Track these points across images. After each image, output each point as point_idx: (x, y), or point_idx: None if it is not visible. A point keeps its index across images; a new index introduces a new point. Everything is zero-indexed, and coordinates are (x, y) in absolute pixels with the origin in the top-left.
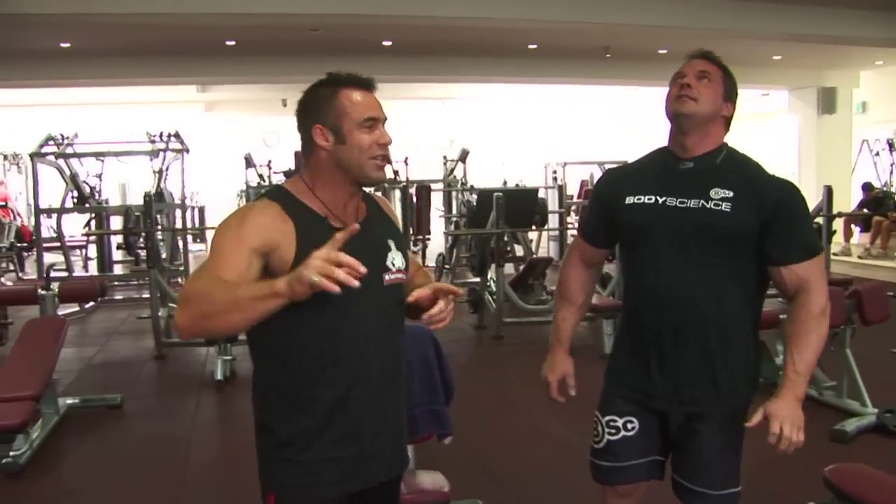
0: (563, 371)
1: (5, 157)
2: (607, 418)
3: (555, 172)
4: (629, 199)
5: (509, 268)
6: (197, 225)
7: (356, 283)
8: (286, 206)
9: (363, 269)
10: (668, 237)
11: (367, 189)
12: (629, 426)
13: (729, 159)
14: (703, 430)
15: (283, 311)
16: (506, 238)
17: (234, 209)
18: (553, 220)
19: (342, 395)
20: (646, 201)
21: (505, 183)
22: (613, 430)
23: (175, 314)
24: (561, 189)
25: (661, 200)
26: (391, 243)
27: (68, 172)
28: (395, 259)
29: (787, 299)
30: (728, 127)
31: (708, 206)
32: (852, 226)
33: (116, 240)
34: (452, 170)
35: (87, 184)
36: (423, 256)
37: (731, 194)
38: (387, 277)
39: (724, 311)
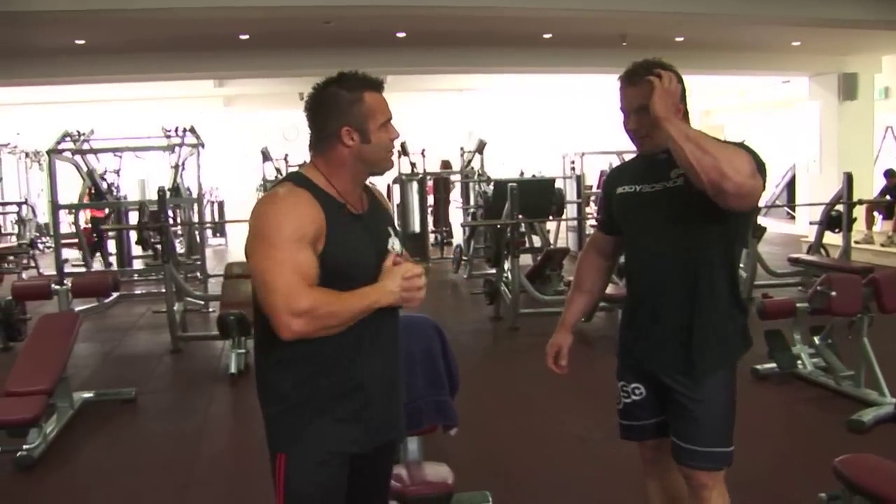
0: (558, 344)
1: (27, 155)
2: (621, 384)
3: (572, 162)
4: (619, 190)
5: (527, 258)
6: (216, 219)
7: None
8: (313, 193)
9: (421, 284)
10: (644, 220)
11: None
12: (637, 392)
13: None
14: (686, 391)
15: None
16: (522, 229)
17: (254, 204)
18: (571, 211)
19: (353, 364)
20: (628, 191)
21: (522, 173)
22: (626, 395)
23: (290, 323)
24: (579, 179)
25: (638, 188)
26: (391, 230)
27: (85, 169)
28: (395, 244)
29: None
30: (687, 117)
31: (668, 185)
32: (874, 213)
33: (135, 235)
34: (470, 161)
35: (104, 179)
36: (442, 249)
37: None
38: None
39: (696, 282)
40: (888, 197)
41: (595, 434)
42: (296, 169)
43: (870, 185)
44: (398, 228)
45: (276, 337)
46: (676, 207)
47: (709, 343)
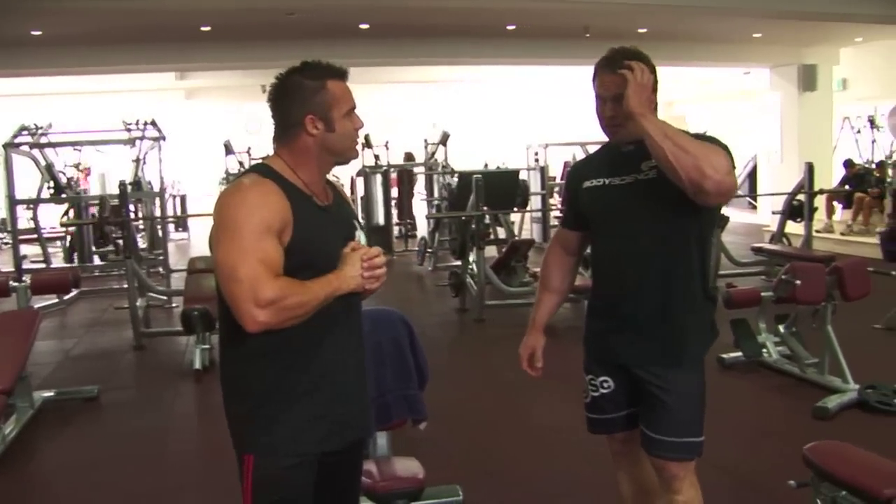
0: (531, 345)
1: None
2: (589, 377)
3: (536, 154)
4: (586, 184)
5: (492, 250)
6: (179, 213)
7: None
8: (279, 184)
9: (383, 266)
10: (614, 213)
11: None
12: (605, 385)
13: None
14: (659, 383)
15: None
16: (487, 220)
17: (217, 196)
18: (535, 202)
19: (321, 358)
20: (596, 184)
21: (486, 165)
22: (594, 388)
23: (255, 314)
24: (543, 170)
25: (607, 182)
26: (355, 223)
27: (43, 163)
28: (360, 237)
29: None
30: (656, 109)
31: (640, 178)
32: (834, 202)
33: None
34: (434, 153)
35: (63, 174)
36: (407, 241)
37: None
38: None
39: (669, 275)
40: (847, 186)
41: (565, 424)
42: (260, 161)
43: (829, 175)
44: (362, 222)
45: (242, 331)
46: (648, 200)
47: (681, 335)
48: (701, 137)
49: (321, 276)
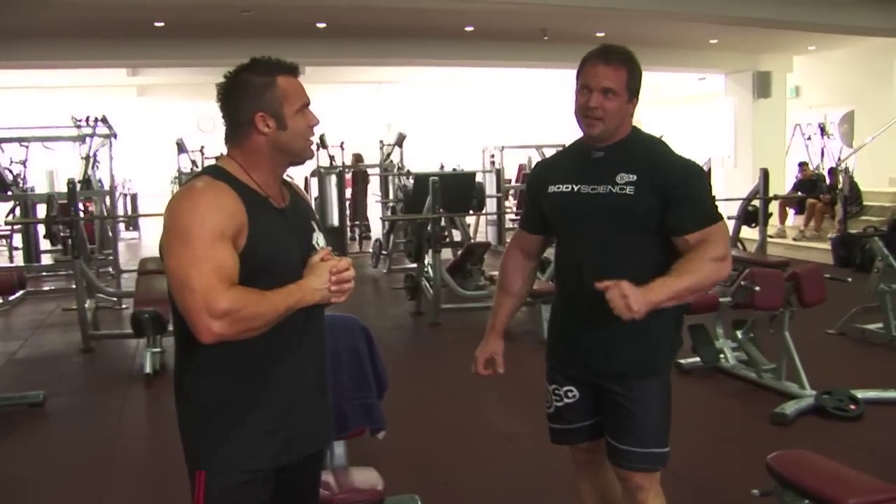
0: (491, 350)
1: None
2: (552, 387)
3: (492, 156)
4: (551, 188)
5: (447, 253)
6: (130, 212)
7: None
8: (233, 187)
9: (350, 277)
10: (583, 222)
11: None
12: (570, 394)
13: (635, 144)
14: (624, 394)
15: None
16: (443, 223)
17: (168, 196)
18: (491, 205)
19: (276, 369)
20: (564, 189)
21: (442, 167)
22: (557, 398)
23: (210, 324)
24: (499, 173)
25: (576, 188)
26: (314, 224)
27: None
28: (319, 239)
29: None
30: (633, 115)
31: (615, 191)
32: (787, 208)
33: (44, 229)
34: (389, 154)
35: (9, 171)
36: (361, 243)
37: (635, 178)
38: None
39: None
40: (800, 192)
41: (522, 431)
42: (212, 161)
43: (782, 181)
44: (319, 223)
45: (195, 341)
46: (620, 214)
47: (646, 347)
48: (705, 214)
49: (279, 280)
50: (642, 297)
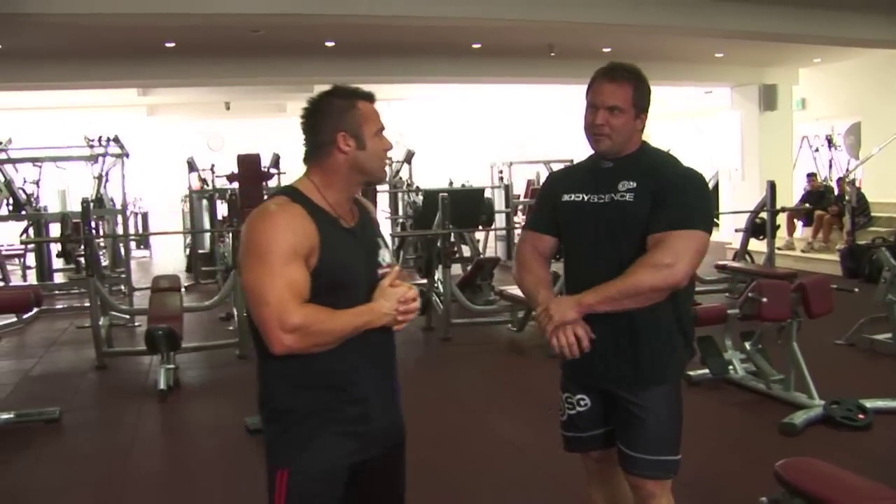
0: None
1: None
2: (565, 395)
3: (501, 172)
4: (564, 197)
5: (457, 268)
6: (140, 231)
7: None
8: (306, 208)
9: (416, 308)
10: (590, 230)
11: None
12: (582, 403)
13: (643, 156)
14: (635, 402)
15: None
16: (452, 238)
17: (179, 215)
18: (500, 220)
19: (349, 377)
20: (574, 199)
21: (451, 183)
22: (570, 406)
23: (282, 338)
24: (507, 189)
25: (585, 198)
26: (380, 241)
27: (2, 179)
28: (385, 255)
29: None
30: (643, 130)
31: (616, 199)
32: (795, 220)
33: (57, 248)
34: (398, 171)
35: (23, 190)
36: None
37: (634, 185)
38: (379, 272)
39: None
40: (808, 204)
41: (532, 442)
42: (223, 179)
43: (790, 193)
44: (384, 239)
45: (276, 357)
46: (622, 222)
47: (656, 355)
48: (678, 218)
49: (347, 295)
50: (576, 300)
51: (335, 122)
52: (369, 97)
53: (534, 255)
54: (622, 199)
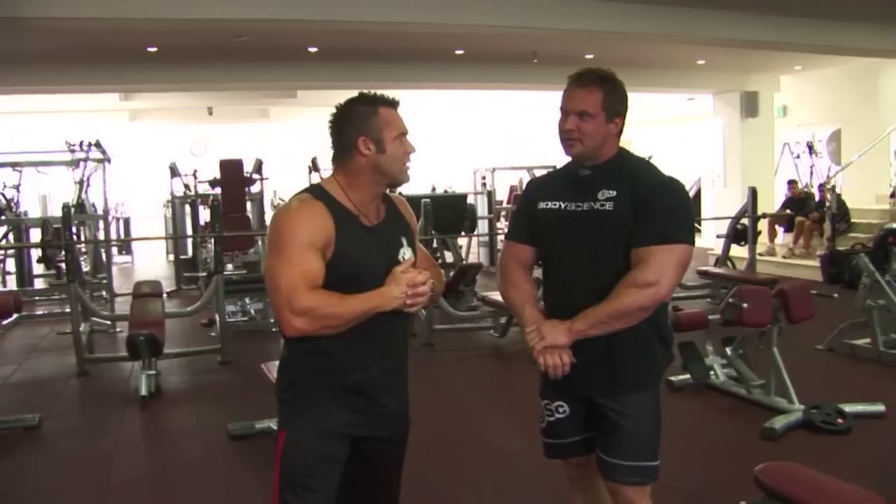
0: (552, 338)
1: None
2: (544, 402)
3: (483, 178)
4: (541, 205)
5: None
6: (122, 236)
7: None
8: (328, 205)
9: (426, 291)
10: (569, 238)
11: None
12: (560, 410)
13: (621, 163)
14: (613, 407)
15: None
16: (435, 244)
17: (161, 221)
18: (483, 226)
19: (357, 358)
20: (552, 206)
21: (434, 189)
22: (549, 413)
23: (291, 320)
24: (490, 195)
25: (563, 205)
26: (403, 240)
27: None
28: (406, 253)
29: None
30: (620, 136)
31: (595, 207)
32: (776, 226)
33: (37, 253)
34: None
35: (3, 195)
36: None
37: (614, 193)
38: None
39: None
40: (789, 210)
41: (519, 448)
42: (205, 184)
43: (771, 199)
44: (412, 239)
45: (297, 340)
46: (601, 230)
47: (633, 361)
48: (661, 231)
49: (363, 288)
50: (567, 327)
51: (357, 127)
52: (392, 103)
53: (517, 268)
54: (602, 208)
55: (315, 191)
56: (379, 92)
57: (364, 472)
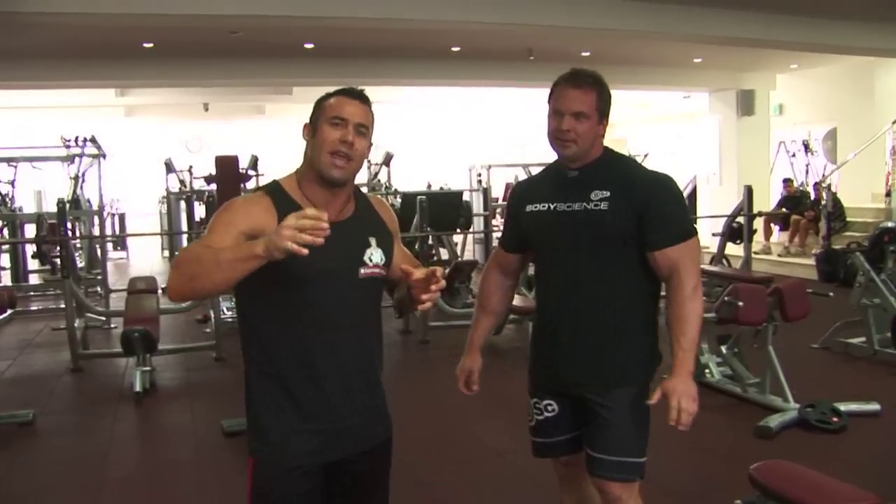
0: (469, 368)
1: None
2: (533, 401)
3: (479, 175)
4: (529, 207)
5: None
6: (117, 232)
7: (321, 241)
8: (275, 200)
9: (325, 225)
10: (560, 239)
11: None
12: (549, 408)
13: (608, 162)
14: (601, 402)
15: (267, 298)
16: (431, 241)
17: (156, 217)
18: (478, 223)
19: (313, 374)
20: (541, 208)
21: (429, 186)
22: (538, 412)
23: (167, 280)
24: (485, 192)
25: (552, 207)
26: (372, 240)
27: None
28: (374, 255)
29: (665, 282)
30: (604, 135)
31: (589, 208)
32: (772, 224)
33: (32, 249)
34: (377, 173)
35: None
36: None
37: (608, 194)
38: (362, 271)
39: (615, 302)
40: (784, 209)
41: (511, 446)
42: (201, 180)
43: (767, 197)
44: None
45: (250, 342)
46: (595, 231)
47: (620, 357)
48: (676, 229)
49: (316, 290)
50: (683, 382)
51: (311, 116)
52: (349, 93)
53: (494, 285)
54: (596, 209)
55: (268, 186)
56: (362, 87)
57: (345, 491)
